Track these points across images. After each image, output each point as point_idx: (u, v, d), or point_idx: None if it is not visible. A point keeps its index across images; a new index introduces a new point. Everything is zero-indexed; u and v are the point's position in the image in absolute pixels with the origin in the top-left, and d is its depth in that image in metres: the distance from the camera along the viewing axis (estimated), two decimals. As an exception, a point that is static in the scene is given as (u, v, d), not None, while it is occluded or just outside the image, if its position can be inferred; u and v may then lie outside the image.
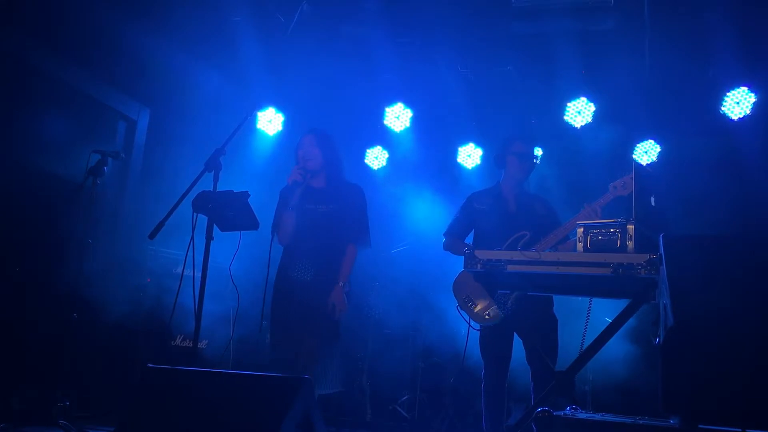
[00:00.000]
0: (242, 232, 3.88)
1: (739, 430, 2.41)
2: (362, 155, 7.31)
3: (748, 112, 5.85)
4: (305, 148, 4.29)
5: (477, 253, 3.49)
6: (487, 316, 4.12)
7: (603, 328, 3.38)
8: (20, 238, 4.96)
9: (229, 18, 6.04)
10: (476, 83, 6.72)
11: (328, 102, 6.70)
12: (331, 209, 4.22)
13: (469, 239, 4.61)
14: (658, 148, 6.39)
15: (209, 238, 3.60)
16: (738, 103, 5.88)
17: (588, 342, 3.45)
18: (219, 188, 3.67)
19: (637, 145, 6.42)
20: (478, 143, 7.12)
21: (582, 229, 3.39)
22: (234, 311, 5.07)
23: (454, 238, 4.58)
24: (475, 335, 4.28)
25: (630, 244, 3.22)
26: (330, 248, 4.17)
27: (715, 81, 5.94)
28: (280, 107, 6.96)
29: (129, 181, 6.28)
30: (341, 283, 4.11)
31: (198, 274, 3.52)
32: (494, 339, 4.27)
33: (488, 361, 4.32)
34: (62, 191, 5.21)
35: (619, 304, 3.47)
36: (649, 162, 6.34)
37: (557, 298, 4.38)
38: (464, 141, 7.14)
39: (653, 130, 6.39)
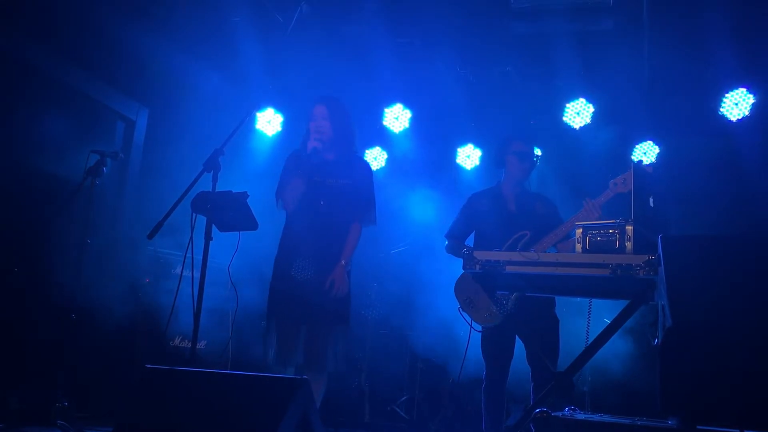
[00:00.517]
0: (241, 232, 3.88)
1: (737, 430, 2.41)
2: (361, 156, 7.31)
3: (746, 113, 5.86)
4: (317, 121, 4.16)
5: (476, 253, 3.48)
6: (487, 318, 4.13)
7: (602, 328, 3.39)
8: (19, 238, 4.95)
9: (228, 18, 6.04)
10: (475, 84, 6.73)
11: (327, 102, 6.68)
12: (342, 184, 4.12)
13: (471, 240, 4.61)
14: (656, 149, 6.40)
15: (208, 238, 3.59)
16: (737, 104, 5.89)
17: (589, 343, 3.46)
18: (218, 189, 3.66)
19: (636, 145, 6.43)
20: (477, 144, 7.12)
21: (581, 230, 3.38)
22: (233, 311, 5.07)
23: (455, 240, 4.57)
24: (476, 336, 4.29)
25: (629, 245, 3.21)
26: (333, 233, 4.06)
27: (714, 82, 5.95)
28: (279, 108, 6.96)
29: (128, 182, 6.27)
30: (343, 262, 4.01)
31: (197, 275, 3.51)
32: (495, 340, 4.27)
33: (489, 362, 4.32)
34: (61, 191, 5.20)
35: (619, 305, 3.47)
36: (648, 163, 6.35)
37: (559, 299, 4.38)
38: (463, 142, 7.15)
39: (652, 131, 6.40)
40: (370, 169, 4.33)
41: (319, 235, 4.04)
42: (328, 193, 4.09)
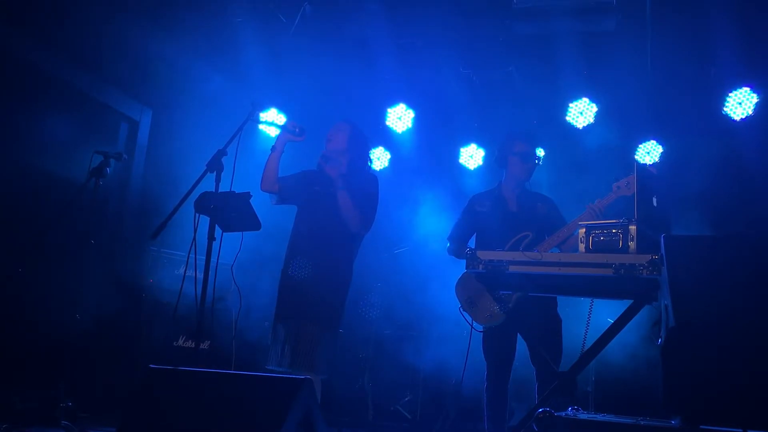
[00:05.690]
0: (244, 232, 3.89)
1: (740, 430, 2.41)
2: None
3: (750, 112, 5.84)
4: (332, 131, 4.37)
5: (479, 253, 3.49)
6: (489, 317, 4.12)
7: (605, 328, 3.38)
8: (22, 238, 4.96)
9: (231, 19, 6.05)
10: (478, 84, 6.73)
11: (330, 103, 6.70)
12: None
13: (473, 242, 4.60)
14: (660, 149, 6.38)
15: (211, 238, 3.60)
16: (740, 103, 5.87)
17: (589, 343, 3.45)
18: (221, 189, 3.67)
19: (640, 145, 6.41)
20: (480, 144, 7.11)
21: (584, 230, 3.38)
22: (236, 312, 5.07)
23: (458, 243, 4.56)
24: (478, 336, 4.28)
25: (632, 244, 3.21)
26: (331, 240, 4.18)
27: (717, 81, 5.94)
28: (282, 108, 6.96)
29: (131, 182, 6.28)
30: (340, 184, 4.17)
31: (200, 275, 3.52)
32: (497, 340, 4.26)
33: (491, 362, 4.31)
34: (65, 192, 5.21)
35: (621, 305, 3.47)
36: (651, 162, 6.33)
37: (561, 298, 4.38)
38: (466, 142, 7.14)
39: (655, 131, 6.38)
40: (374, 179, 4.43)
41: (318, 240, 4.18)
42: (328, 203, 4.22)
